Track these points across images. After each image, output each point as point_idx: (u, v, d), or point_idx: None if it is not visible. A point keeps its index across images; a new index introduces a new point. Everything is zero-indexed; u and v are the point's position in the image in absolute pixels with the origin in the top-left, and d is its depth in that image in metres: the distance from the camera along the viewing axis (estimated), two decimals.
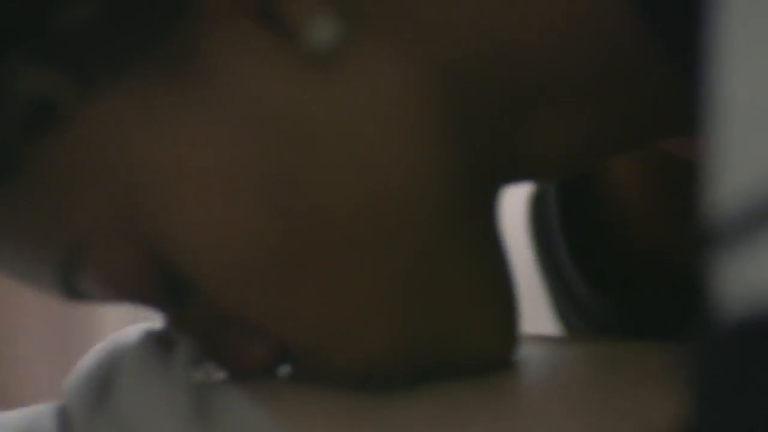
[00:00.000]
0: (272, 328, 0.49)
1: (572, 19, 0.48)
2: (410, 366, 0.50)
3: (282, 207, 0.47)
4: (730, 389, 0.29)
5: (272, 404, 0.48)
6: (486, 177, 0.50)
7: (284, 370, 0.52)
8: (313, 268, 0.48)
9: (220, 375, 0.52)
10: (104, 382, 0.50)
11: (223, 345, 0.51)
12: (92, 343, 1.66)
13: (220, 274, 0.48)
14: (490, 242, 0.50)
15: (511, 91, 0.49)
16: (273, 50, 0.47)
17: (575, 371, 0.50)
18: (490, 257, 0.50)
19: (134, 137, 0.47)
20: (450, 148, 0.48)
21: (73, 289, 0.50)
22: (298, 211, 0.47)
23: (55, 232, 0.49)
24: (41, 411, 0.51)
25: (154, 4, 0.46)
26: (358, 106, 0.47)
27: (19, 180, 0.48)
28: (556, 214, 0.63)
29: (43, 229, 0.49)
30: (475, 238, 0.50)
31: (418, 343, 0.50)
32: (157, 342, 0.51)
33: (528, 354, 0.52)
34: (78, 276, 0.50)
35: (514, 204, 0.83)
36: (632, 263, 0.62)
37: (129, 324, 0.66)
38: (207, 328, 0.51)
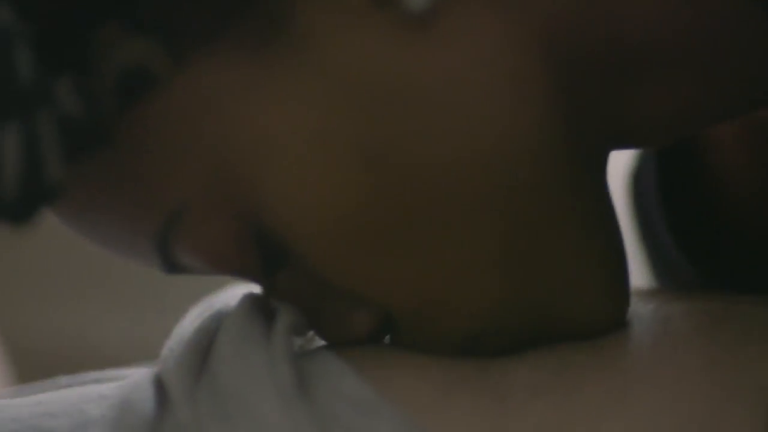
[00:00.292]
0: (372, 294, 0.49)
1: None
2: (516, 330, 0.49)
3: (379, 171, 0.47)
4: None
5: (373, 374, 0.48)
6: (590, 140, 0.49)
7: (385, 339, 0.51)
8: (412, 233, 0.48)
9: (321, 343, 0.51)
10: (203, 350, 0.49)
11: (322, 315, 0.51)
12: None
13: (318, 239, 0.48)
14: (597, 205, 0.50)
15: (613, 54, 0.48)
16: (368, 14, 0.46)
17: (684, 330, 0.49)
18: (597, 219, 0.50)
19: (228, 105, 0.47)
20: (551, 111, 0.47)
21: (169, 260, 0.51)
22: (396, 175, 0.47)
23: (151, 202, 0.49)
24: (138, 381, 0.50)
25: None
26: (456, 70, 0.46)
27: (114, 150, 0.48)
28: (656, 189, 0.61)
29: (139, 200, 0.49)
30: (581, 200, 0.49)
31: (523, 306, 0.49)
32: (257, 309, 0.50)
33: (636, 311, 0.51)
34: (175, 246, 0.50)
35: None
36: (737, 238, 0.60)
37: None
38: (304, 298, 0.51)
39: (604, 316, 0.50)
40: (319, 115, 0.47)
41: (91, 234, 0.52)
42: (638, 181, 0.63)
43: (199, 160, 0.48)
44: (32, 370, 1.50)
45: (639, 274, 0.72)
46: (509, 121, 0.47)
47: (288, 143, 0.47)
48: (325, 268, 0.48)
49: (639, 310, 0.51)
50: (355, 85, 0.46)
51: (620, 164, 0.69)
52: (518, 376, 0.47)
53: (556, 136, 0.48)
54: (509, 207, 0.48)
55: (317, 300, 0.51)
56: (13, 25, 0.43)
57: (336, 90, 0.47)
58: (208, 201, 0.48)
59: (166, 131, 0.47)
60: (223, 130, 0.47)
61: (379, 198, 0.47)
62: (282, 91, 0.47)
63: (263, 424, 0.46)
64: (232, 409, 0.47)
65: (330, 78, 0.46)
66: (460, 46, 0.46)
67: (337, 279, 0.48)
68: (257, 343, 0.48)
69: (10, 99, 0.43)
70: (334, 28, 0.46)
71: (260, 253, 0.49)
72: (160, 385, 0.50)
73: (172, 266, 0.51)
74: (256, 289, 0.54)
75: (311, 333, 0.52)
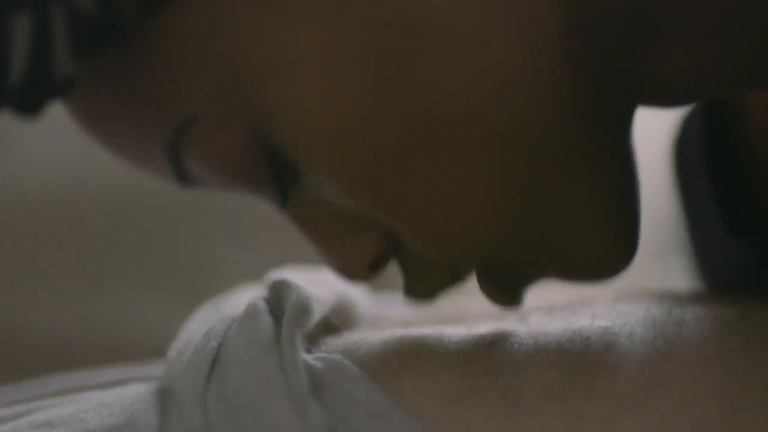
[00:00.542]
0: (377, 214, 0.49)
1: None
2: (518, 263, 0.50)
3: (389, 92, 0.47)
4: None
5: (385, 379, 0.48)
6: (607, 94, 0.49)
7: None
8: (416, 156, 0.48)
9: (331, 348, 0.51)
10: (211, 355, 0.49)
11: (330, 241, 0.52)
12: None
13: (326, 154, 0.48)
14: (612, 155, 0.50)
15: (630, 8, 0.48)
16: None
17: (698, 335, 0.49)
18: (609, 168, 0.50)
19: (241, 18, 0.47)
20: (564, 59, 0.48)
21: (181, 171, 0.51)
22: (405, 98, 0.47)
23: (163, 109, 0.49)
24: (140, 392, 0.50)
25: None
26: (473, 7, 0.47)
27: (128, 55, 0.49)
28: (700, 160, 0.61)
29: (151, 106, 0.50)
30: (593, 147, 0.49)
31: (524, 240, 0.50)
32: (265, 313, 0.50)
33: (649, 314, 0.50)
34: (186, 156, 0.50)
35: None
36: None
37: None
38: (313, 222, 0.52)
39: (607, 261, 0.50)
40: (335, 31, 0.47)
41: (108, 141, 0.52)
42: (682, 151, 0.63)
43: (212, 70, 0.48)
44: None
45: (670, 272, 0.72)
46: (521, 64, 0.47)
47: (301, 57, 0.47)
48: (330, 185, 0.49)
49: (652, 312, 0.51)
50: (369, 4, 0.47)
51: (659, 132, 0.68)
52: (529, 379, 0.47)
53: (569, 84, 0.48)
54: (513, 144, 0.48)
55: (327, 223, 0.51)
56: None
57: (352, 7, 0.47)
58: (219, 111, 0.49)
59: (182, 41, 0.48)
60: (239, 42, 0.48)
61: (388, 118, 0.47)
62: (299, 5, 0.47)
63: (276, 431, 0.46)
64: (244, 417, 0.46)
65: None
66: None
67: (342, 195, 0.49)
68: (267, 349, 0.48)
69: None
70: None
71: (270, 166, 0.50)
72: (162, 396, 0.49)
73: (184, 177, 0.52)
74: (262, 292, 0.53)
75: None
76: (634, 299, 0.53)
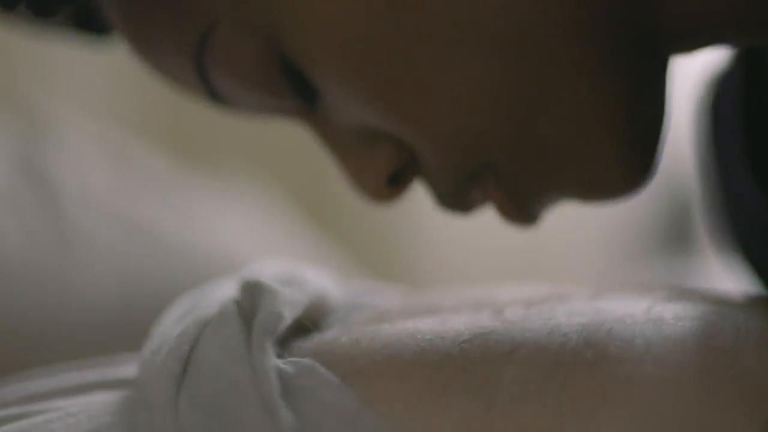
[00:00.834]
0: (387, 123, 0.52)
1: None
2: (522, 175, 0.53)
3: (398, 3, 0.50)
4: None
5: (357, 383, 0.47)
6: (619, 14, 0.51)
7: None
8: (423, 61, 0.50)
9: (303, 352, 0.50)
10: (184, 358, 0.49)
11: (350, 155, 0.55)
12: None
13: (333, 62, 0.51)
14: (623, 79, 0.52)
15: None
16: None
17: (678, 334, 0.48)
18: (618, 91, 0.52)
19: None
20: None
21: (210, 85, 0.54)
22: (415, 7, 0.50)
23: (186, 17, 0.53)
24: (107, 404, 0.49)
25: None
26: None
27: None
28: (737, 120, 0.61)
29: (176, 15, 0.53)
30: (602, 68, 0.51)
31: (529, 146, 0.52)
32: (238, 316, 0.49)
33: (628, 310, 0.49)
34: (211, 69, 0.53)
35: None
36: None
37: None
38: (335, 138, 0.55)
39: (608, 178, 0.52)
40: None
41: (147, 57, 0.56)
42: (717, 111, 0.63)
43: None
44: None
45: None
46: None
47: None
48: (340, 93, 0.52)
49: (631, 309, 0.50)
50: None
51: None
52: (506, 377, 0.46)
53: (574, 8, 0.50)
54: (515, 48, 0.50)
55: (346, 140, 0.55)
56: None
57: None
58: (235, 20, 0.52)
59: None
60: None
61: (392, 20, 0.50)
62: None
63: None
64: (215, 422, 0.46)
65: None
66: None
67: (351, 102, 0.52)
68: (238, 354, 0.47)
69: None
70: None
71: (287, 77, 0.53)
72: (132, 405, 0.49)
73: (213, 92, 0.55)
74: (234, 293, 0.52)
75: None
76: (612, 296, 0.52)
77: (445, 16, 0.50)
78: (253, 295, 0.51)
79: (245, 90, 0.54)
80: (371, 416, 0.45)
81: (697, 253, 2.05)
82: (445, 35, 0.50)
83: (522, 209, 0.55)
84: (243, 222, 0.98)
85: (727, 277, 0.69)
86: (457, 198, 0.55)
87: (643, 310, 0.50)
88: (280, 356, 0.49)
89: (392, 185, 0.55)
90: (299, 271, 0.57)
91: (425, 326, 0.50)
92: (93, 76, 1.41)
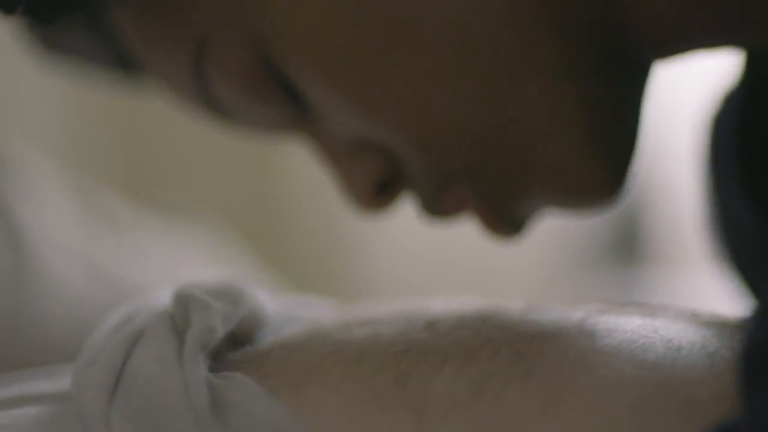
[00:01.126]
0: (363, 126, 0.54)
1: None
2: (498, 168, 0.54)
3: (371, 6, 0.51)
4: None
5: (288, 395, 0.47)
6: (586, 17, 0.52)
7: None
8: (393, 61, 0.52)
9: (235, 364, 0.50)
10: (117, 371, 0.48)
11: (338, 164, 0.57)
12: None
13: (308, 65, 0.52)
14: (593, 81, 0.52)
15: None
16: None
17: (611, 347, 0.48)
18: (588, 93, 0.52)
19: None
20: None
21: (209, 95, 0.56)
22: (386, 10, 0.51)
23: (182, 27, 0.54)
24: (39, 415, 0.49)
25: None
26: None
27: None
28: (733, 139, 0.62)
29: (173, 25, 0.55)
30: (568, 69, 0.52)
31: (500, 148, 0.53)
32: (171, 329, 0.49)
33: (560, 322, 0.49)
34: (209, 77, 0.55)
35: None
36: None
37: None
38: (326, 148, 0.57)
39: (579, 181, 0.53)
40: None
41: (152, 67, 0.58)
42: (717, 130, 0.63)
43: None
44: None
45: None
46: None
47: None
48: (321, 99, 0.53)
49: (563, 323, 0.50)
50: None
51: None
52: (437, 388, 0.46)
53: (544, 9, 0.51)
54: (481, 48, 0.51)
55: (335, 150, 0.57)
56: None
57: None
58: (226, 29, 0.53)
59: None
60: None
61: (361, 20, 0.51)
62: None
63: None
64: None
65: None
66: None
67: (332, 109, 0.54)
68: (170, 367, 0.47)
69: None
70: None
71: (278, 85, 0.54)
72: (64, 417, 0.48)
73: (214, 104, 0.56)
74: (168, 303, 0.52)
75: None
76: (545, 309, 0.52)
77: (412, 21, 0.51)
78: (186, 307, 0.50)
79: (241, 99, 0.55)
80: (302, 429, 0.45)
81: (644, 263, 2.07)
82: (413, 40, 0.51)
83: (501, 218, 0.55)
84: (196, 262, 0.98)
85: (675, 288, 0.70)
86: (437, 205, 0.57)
87: (575, 322, 0.50)
88: (212, 369, 0.49)
89: (381, 194, 0.57)
90: (234, 284, 0.56)
91: (358, 338, 0.50)
92: (51, 117, 1.41)
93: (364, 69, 0.52)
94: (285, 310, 0.57)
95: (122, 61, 0.61)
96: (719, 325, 0.50)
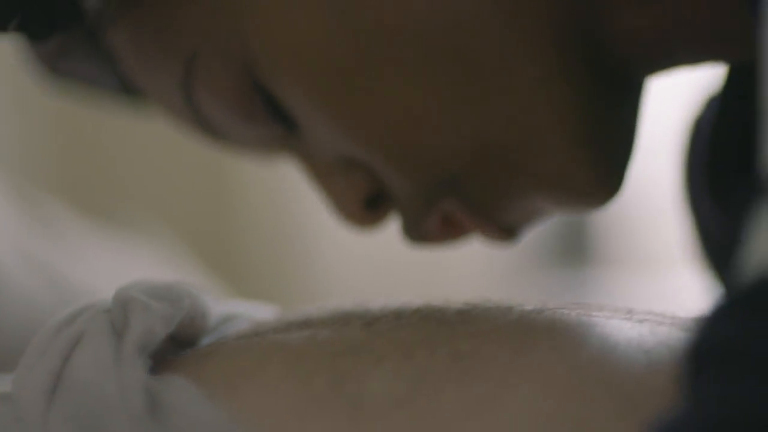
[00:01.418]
0: (353, 144, 0.53)
1: None
2: (488, 176, 0.54)
3: (342, 8, 0.51)
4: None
5: (226, 397, 0.47)
6: (574, 38, 0.52)
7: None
8: (374, 76, 0.52)
9: (174, 367, 0.50)
10: (55, 373, 0.48)
11: (325, 182, 0.57)
12: None
13: (291, 81, 0.52)
14: (581, 89, 0.53)
15: None
16: None
17: (547, 345, 0.48)
18: (576, 101, 0.53)
19: None
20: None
21: (199, 114, 0.56)
22: (358, 14, 0.51)
23: (170, 47, 0.55)
24: None
25: None
26: None
27: (140, 7, 0.55)
28: (706, 146, 0.62)
29: (162, 45, 0.55)
30: (557, 79, 0.52)
31: (488, 159, 0.53)
32: (110, 331, 0.49)
33: (496, 322, 0.50)
34: (198, 97, 0.55)
35: None
36: None
37: None
38: (315, 167, 0.57)
39: (574, 185, 0.53)
40: None
41: (147, 87, 0.58)
42: (694, 137, 0.64)
43: (201, 9, 0.53)
44: None
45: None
46: None
47: None
48: (303, 115, 0.53)
49: (500, 321, 0.50)
50: None
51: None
52: (374, 387, 0.46)
53: (524, 6, 0.51)
54: (464, 61, 0.51)
55: (324, 169, 0.57)
56: None
57: None
58: (212, 48, 0.54)
59: None
60: None
61: (342, 35, 0.52)
62: None
63: None
64: None
65: None
66: None
67: (315, 127, 0.53)
68: (108, 369, 0.47)
69: None
70: None
71: (264, 103, 0.55)
72: (1, 422, 0.48)
73: (204, 123, 0.57)
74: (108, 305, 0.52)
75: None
76: (483, 308, 0.53)
77: (392, 27, 0.51)
78: (125, 309, 0.50)
79: (228, 118, 0.55)
80: (240, 431, 0.45)
81: (591, 264, 2.08)
82: (396, 54, 0.51)
83: (494, 223, 0.55)
84: (143, 268, 0.98)
85: (622, 289, 0.71)
86: (420, 226, 0.57)
87: (513, 320, 0.50)
88: (153, 371, 0.49)
89: (371, 210, 0.57)
90: (175, 285, 0.56)
91: (296, 339, 0.50)
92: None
93: (347, 87, 0.52)
94: (226, 312, 0.57)
95: (122, 84, 0.61)
96: (656, 323, 0.50)
